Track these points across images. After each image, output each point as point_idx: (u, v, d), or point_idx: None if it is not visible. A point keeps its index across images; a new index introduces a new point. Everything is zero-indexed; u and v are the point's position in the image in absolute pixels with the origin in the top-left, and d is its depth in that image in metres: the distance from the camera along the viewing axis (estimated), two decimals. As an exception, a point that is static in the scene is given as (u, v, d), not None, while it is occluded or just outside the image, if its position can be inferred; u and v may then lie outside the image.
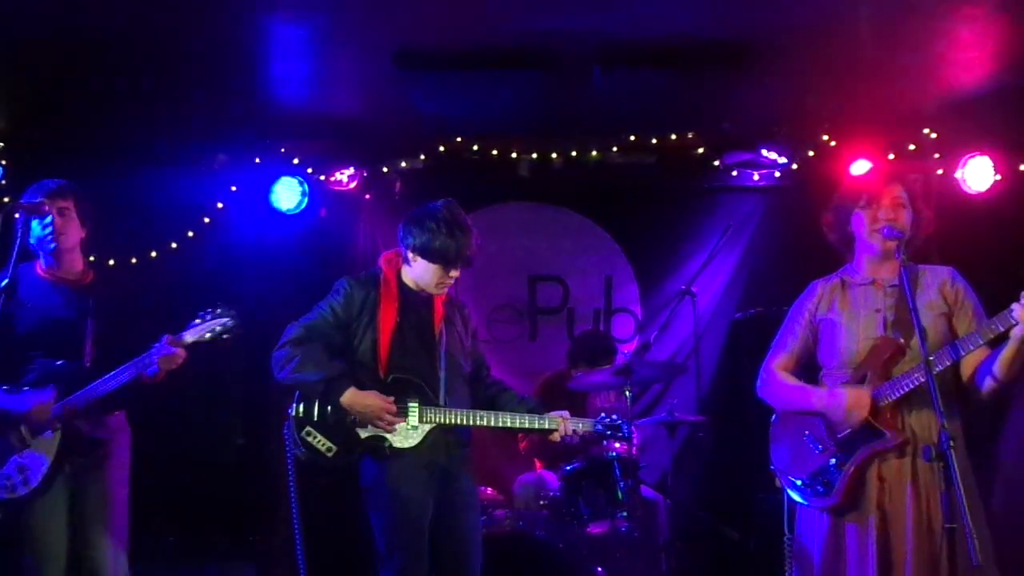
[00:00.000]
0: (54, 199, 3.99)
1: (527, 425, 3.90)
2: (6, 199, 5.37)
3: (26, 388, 3.90)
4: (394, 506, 3.76)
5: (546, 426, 3.88)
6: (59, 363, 3.95)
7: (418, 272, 3.92)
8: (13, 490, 3.85)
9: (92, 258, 4.27)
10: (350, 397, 3.76)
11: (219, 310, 3.94)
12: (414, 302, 3.96)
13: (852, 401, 3.34)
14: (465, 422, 3.85)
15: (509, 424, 3.89)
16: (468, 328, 4.13)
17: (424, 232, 3.83)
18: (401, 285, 3.97)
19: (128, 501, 4.10)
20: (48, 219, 3.97)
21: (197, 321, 3.92)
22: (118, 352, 3.92)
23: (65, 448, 3.90)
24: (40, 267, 4.08)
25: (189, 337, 3.90)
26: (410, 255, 3.90)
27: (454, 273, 3.90)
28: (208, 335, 3.91)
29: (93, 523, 3.98)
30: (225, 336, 3.94)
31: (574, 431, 3.91)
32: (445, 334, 3.96)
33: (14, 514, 3.86)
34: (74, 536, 3.96)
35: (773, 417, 3.68)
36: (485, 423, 3.89)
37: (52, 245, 4.00)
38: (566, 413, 3.93)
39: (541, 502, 5.35)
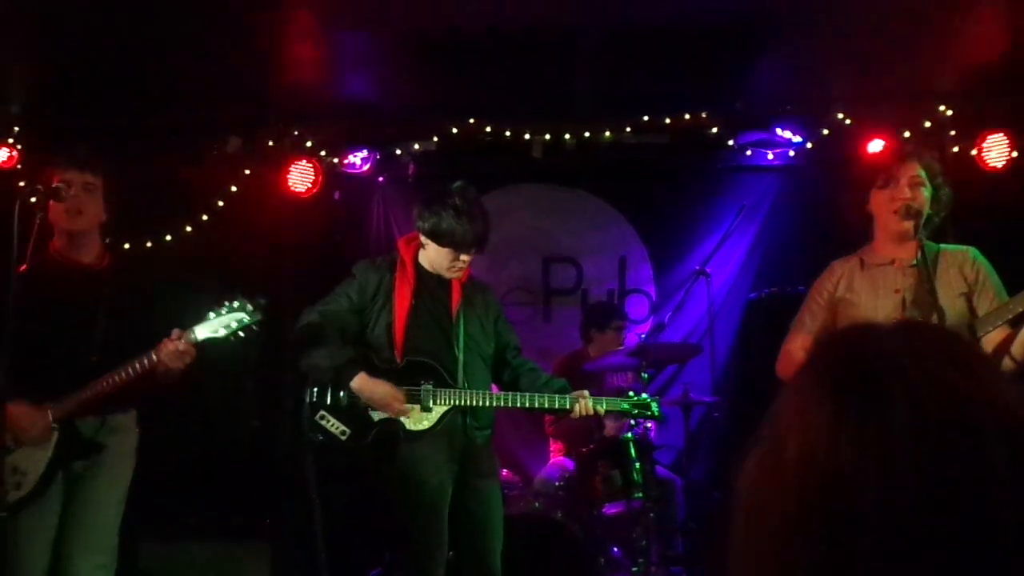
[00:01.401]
0: (83, 171, 3.67)
1: (545, 405, 3.87)
2: (21, 183, 5.37)
3: (33, 381, 3.50)
4: (411, 488, 3.77)
5: (567, 406, 3.85)
6: (65, 355, 3.60)
7: (431, 255, 3.91)
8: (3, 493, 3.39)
9: (107, 240, 4.01)
10: (359, 383, 3.77)
11: (236, 303, 3.56)
12: (431, 285, 3.95)
13: None
14: (479, 403, 3.84)
15: (526, 404, 3.87)
16: (490, 310, 4.11)
17: (433, 216, 3.81)
18: (418, 268, 3.96)
19: (122, 510, 3.78)
20: (73, 191, 3.64)
21: (211, 315, 3.55)
22: (129, 345, 3.58)
23: (63, 449, 3.58)
24: (54, 246, 3.74)
25: (201, 333, 3.53)
26: (422, 238, 3.90)
27: (465, 257, 3.88)
28: (223, 331, 3.55)
29: (79, 531, 3.64)
30: (242, 332, 3.58)
31: (596, 410, 3.89)
32: (463, 316, 3.95)
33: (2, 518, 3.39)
34: (58, 542, 3.63)
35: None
36: (500, 404, 3.87)
37: (69, 221, 3.68)
38: (586, 392, 3.92)
39: (557, 483, 5.37)
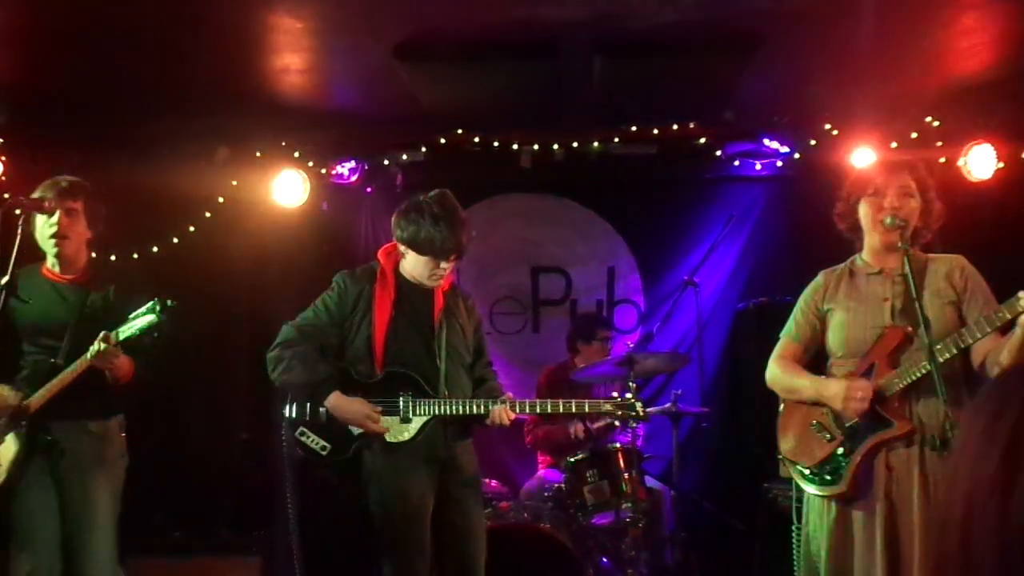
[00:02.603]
0: (63, 198, 3.93)
1: (462, 411, 3.84)
2: (6, 195, 5.35)
3: (18, 381, 3.94)
4: (393, 500, 3.77)
5: (482, 411, 3.83)
6: (38, 363, 3.93)
7: (411, 264, 3.91)
8: None
9: (93, 254, 4.21)
10: (334, 401, 3.79)
11: (146, 308, 3.78)
12: (412, 294, 3.95)
13: (853, 392, 3.33)
14: (457, 411, 3.83)
15: (451, 411, 3.84)
16: (472, 319, 4.11)
17: (411, 224, 3.83)
18: (399, 278, 3.96)
19: (116, 511, 4.00)
20: (55, 218, 3.93)
21: (130, 316, 3.79)
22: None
23: (27, 443, 3.86)
24: (45, 266, 4.06)
25: (122, 334, 3.77)
26: (401, 248, 3.90)
27: (445, 265, 3.89)
28: (136, 331, 3.76)
29: (79, 530, 3.90)
30: (154, 332, 3.78)
31: (575, 413, 3.91)
32: (445, 325, 3.95)
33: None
34: (64, 543, 3.91)
35: (780, 406, 3.67)
36: (473, 411, 3.86)
37: (55, 246, 3.97)
38: (508, 395, 3.93)
39: (545, 494, 5.35)
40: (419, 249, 3.84)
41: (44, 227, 3.95)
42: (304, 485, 4.05)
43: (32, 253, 3.98)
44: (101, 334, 3.75)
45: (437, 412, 3.81)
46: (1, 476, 3.84)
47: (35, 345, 3.97)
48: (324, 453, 3.82)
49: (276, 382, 3.89)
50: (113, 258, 5.44)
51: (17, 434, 3.87)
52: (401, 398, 3.81)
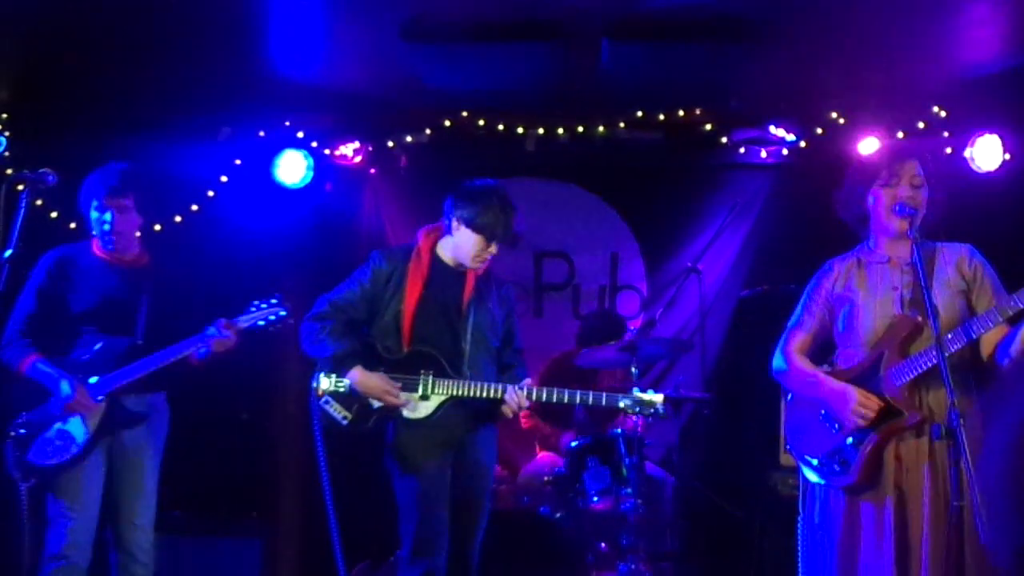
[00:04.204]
0: (114, 197, 4.10)
1: (479, 394, 3.91)
2: (8, 170, 5.32)
3: (77, 361, 4.05)
4: (408, 476, 3.89)
5: (499, 395, 3.89)
6: (113, 339, 4.08)
7: (459, 243, 4.01)
8: (53, 455, 3.96)
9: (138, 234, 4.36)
10: (355, 376, 3.92)
11: (274, 300, 4.12)
12: (445, 276, 4.05)
13: (859, 405, 3.30)
14: (476, 393, 3.90)
15: (465, 392, 3.91)
16: (504, 306, 4.20)
17: (477, 204, 3.95)
18: (434, 259, 4.05)
19: (159, 481, 4.24)
20: (107, 215, 4.10)
21: (252, 309, 4.10)
22: (168, 331, 4.08)
23: (108, 419, 4.04)
24: (97, 247, 4.22)
25: (243, 323, 4.06)
26: (455, 224, 3.99)
27: (493, 248, 4.00)
28: (260, 323, 4.10)
29: (127, 499, 4.11)
30: (278, 326, 4.14)
31: (591, 405, 3.95)
32: (474, 309, 4.02)
33: (50, 480, 3.99)
34: (107, 509, 4.10)
35: (789, 397, 3.66)
36: (490, 394, 3.91)
37: (111, 241, 4.15)
38: (527, 380, 4.01)
39: (545, 479, 5.35)
40: (477, 228, 3.95)
41: (96, 223, 4.12)
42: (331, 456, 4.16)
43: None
44: (223, 321, 4.01)
45: (454, 392, 3.90)
46: (73, 451, 3.98)
47: (93, 324, 4.10)
48: (345, 423, 3.95)
49: (306, 353, 4.05)
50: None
51: (94, 410, 4.02)
52: (421, 376, 3.91)
